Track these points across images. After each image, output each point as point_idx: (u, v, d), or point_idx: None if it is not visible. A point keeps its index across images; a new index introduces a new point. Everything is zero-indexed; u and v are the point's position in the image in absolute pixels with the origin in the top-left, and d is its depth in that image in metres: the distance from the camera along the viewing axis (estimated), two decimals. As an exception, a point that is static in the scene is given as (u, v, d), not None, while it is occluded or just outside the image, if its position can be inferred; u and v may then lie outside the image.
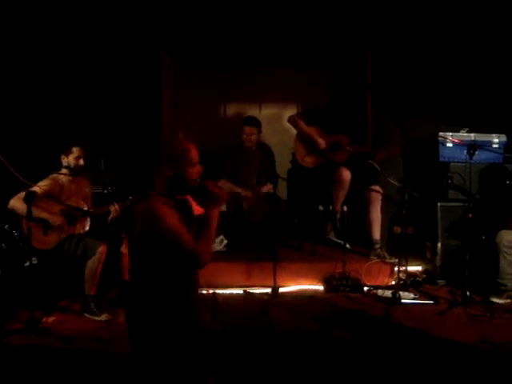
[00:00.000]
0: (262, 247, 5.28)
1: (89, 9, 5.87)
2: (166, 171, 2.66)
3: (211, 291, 4.68)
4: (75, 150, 4.52)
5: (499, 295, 4.61)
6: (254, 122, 5.60)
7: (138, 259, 2.64)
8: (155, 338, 2.57)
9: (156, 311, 2.58)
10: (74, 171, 4.53)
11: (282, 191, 6.13)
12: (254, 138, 5.55)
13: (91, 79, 6.08)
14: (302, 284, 5.04)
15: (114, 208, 4.40)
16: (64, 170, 4.53)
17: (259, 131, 5.60)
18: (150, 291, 2.60)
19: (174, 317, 2.58)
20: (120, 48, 6.12)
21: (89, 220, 4.55)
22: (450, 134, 5.31)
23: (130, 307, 2.71)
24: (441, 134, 5.31)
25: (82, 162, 4.55)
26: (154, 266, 2.58)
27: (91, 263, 4.22)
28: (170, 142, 2.90)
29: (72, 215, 4.42)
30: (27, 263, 4.23)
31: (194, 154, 2.72)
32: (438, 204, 5.19)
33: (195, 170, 2.70)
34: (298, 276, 5.06)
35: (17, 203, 4.19)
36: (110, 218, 4.42)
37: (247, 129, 5.54)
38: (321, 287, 5.02)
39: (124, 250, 4.54)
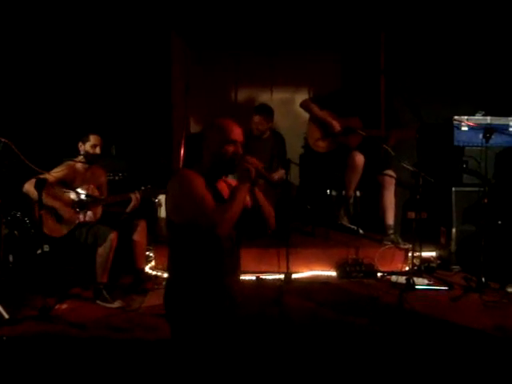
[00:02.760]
0: (275, 233, 5.24)
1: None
2: (204, 149, 2.74)
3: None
4: (92, 138, 4.53)
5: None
6: (263, 111, 5.50)
7: (169, 232, 2.72)
8: (182, 313, 2.66)
9: (183, 285, 2.67)
10: (90, 159, 4.52)
11: (294, 177, 6.08)
12: (261, 127, 5.46)
13: (100, 64, 6.03)
14: (315, 270, 5.03)
15: (135, 196, 4.40)
16: (80, 158, 4.53)
17: (269, 120, 5.50)
18: (177, 264, 2.72)
19: (199, 293, 2.64)
20: (129, 30, 6.04)
21: (101, 208, 4.55)
22: (466, 117, 5.23)
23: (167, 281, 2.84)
24: (456, 117, 5.23)
25: (98, 150, 4.55)
26: (181, 237, 2.67)
27: (102, 250, 4.22)
28: (212, 121, 2.84)
29: (83, 202, 4.42)
30: (39, 250, 4.24)
31: (232, 131, 2.71)
32: (453, 189, 5.13)
33: (231, 148, 2.68)
34: (310, 262, 5.04)
35: (31, 187, 4.17)
36: (130, 206, 4.43)
37: (255, 117, 5.46)
38: (334, 273, 5.00)
39: (136, 237, 4.53)
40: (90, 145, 4.51)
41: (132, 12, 5.93)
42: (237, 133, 2.72)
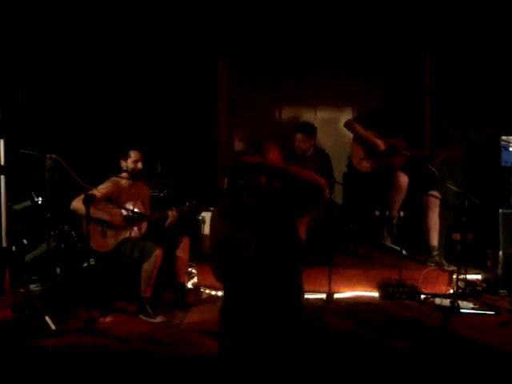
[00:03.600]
0: (317, 252, 5.22)
1: (144, 13, 5.94)
2: None
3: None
4: (133, 154, 4.61)
5: None
6: (305, 129, 5.51)
7: None
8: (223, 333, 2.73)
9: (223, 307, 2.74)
10: (133, 175, 4.62)
11: (338, 196, 6.07)
12: (303, 145, 5.46)
13: (147, 83, 6.18)
14: (357, 290, 4.98)
15: (172, 213, 4.45)
16: (124, 174, 4.63)
17: (311, 138, 5.51)
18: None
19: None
20: (176, 51, 6.18)
21: (146, 224, 4.63)
22: (513, 137, 5.14)
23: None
24: (503, 137, 5.14)
25: (140, 165, 4.63)
26: None
27: (147, 266, 4.27)
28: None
29: (130, 218, 4.50)
30: (85, 264, 4.33)
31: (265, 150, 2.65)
32: (500, 210, 5.00)
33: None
34: (353, 282, 5.00)
35: (79, 204, 4.28)
36: (167, 222, 4.47)
37: (298, 135, 5.48)
38: (376, 294, 4.93)
39: (179, 253, 4.58)
40: (131, 161, 4.60)
41: (181, 33, 6.07)
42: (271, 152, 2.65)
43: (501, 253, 4.96)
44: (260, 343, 2.58)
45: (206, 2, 5.90)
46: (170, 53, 6.19)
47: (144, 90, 6.18)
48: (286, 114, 7.14)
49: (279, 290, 2.69)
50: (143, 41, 6.08)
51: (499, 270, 4.96)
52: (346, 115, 6.46)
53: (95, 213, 4.26)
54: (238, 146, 6.96)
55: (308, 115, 6.82)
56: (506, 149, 5.21)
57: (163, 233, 4.56)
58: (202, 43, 6.17)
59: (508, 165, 5.17)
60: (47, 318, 3.90)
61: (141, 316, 4.27)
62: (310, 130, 5.53)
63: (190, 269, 5.11)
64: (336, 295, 4.76)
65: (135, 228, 4.52)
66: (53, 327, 3.86)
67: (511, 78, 5.80)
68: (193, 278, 5.21)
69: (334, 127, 6.65)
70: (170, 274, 4.62)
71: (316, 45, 6.27)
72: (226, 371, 2.64)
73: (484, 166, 5.53)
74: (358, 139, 5.55)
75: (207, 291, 4.95)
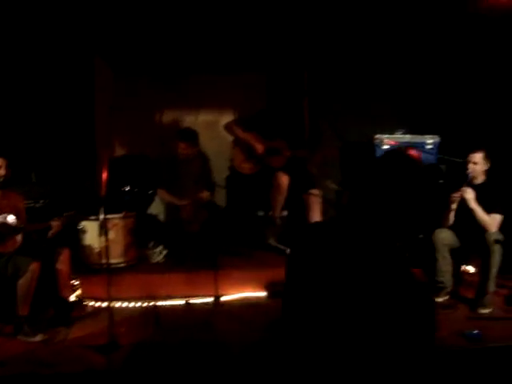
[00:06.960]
0: (202, 256, 5.20)
1: (20, 12, 5.58)
2: None
3: (152, 303, 4.61)
4: None
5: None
6: (188, 137, 5.52)
7: None
8: None
9: None
10: (1, 184, 4.32)
11: (221, 198, 6.07)
12: (188, 151, 5.49)
13: (19, 87, 5.83)
14: (245, 291, 4.99)
15: (56, 223, 4.25)
16: (-10, 186, 4.32)
17: (194, 144, 5.53)
18: None
19: None
20: (50, 53, 5.88)
21: (20, 236, 4.36)
22: (386, 135, 5.40)
23: None
24: (377, 136, 5.39)
25: (2, 171, 4.30)
26: None
27: (23, 282, 4.01)
28: None
29: (1, 232, 4.22)
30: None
31: None
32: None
33: None
34: (239, 283, 5.01)
35: None
36: (51, 232, 4.27)
37: (181, 144, 5.47)
38: (264, 293, 4.98)
39: (60, 266, 4.36)
40: None
41: (55, 35, 5.77)
42: None
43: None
44: None
45: (84, 3, 5.66)
46: (44, 53, 5.87)
47: (15, 94, 5.83)
48: (168, 117, 7.03)
49: None
50: (16, 40, 5.71)
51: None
52: (227, 118, 6.47)
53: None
54: (119, 150, 6.77)
55: (189, 118, 6.77)
56: (380, 146, 5.46)
57: (40, 246, 4.33)
58: (79, 44, 5.91)
59: (382, 161, 5.43)
60: None
61: (19, 337, 4.01)
62: (192, 138, 5.52)
63: (73, 281, 4.89)
64: (224, 298, 4.76)
65: (7, 243, 4.24)
66: None
67: (385, 82, 6.10)
68: (77, 290, 4.99)
69: (215, 130, 6.64)
70: (51, 289, 4.39)
71: (197, 47, 6.24)
72: None
73: (361, 163, 5.77)
74: (238, 142, 5.60)
75: (91, 303, 4.76)
